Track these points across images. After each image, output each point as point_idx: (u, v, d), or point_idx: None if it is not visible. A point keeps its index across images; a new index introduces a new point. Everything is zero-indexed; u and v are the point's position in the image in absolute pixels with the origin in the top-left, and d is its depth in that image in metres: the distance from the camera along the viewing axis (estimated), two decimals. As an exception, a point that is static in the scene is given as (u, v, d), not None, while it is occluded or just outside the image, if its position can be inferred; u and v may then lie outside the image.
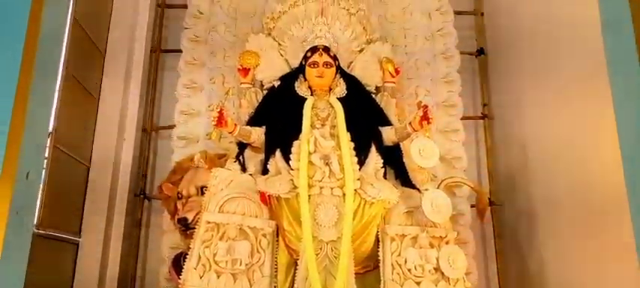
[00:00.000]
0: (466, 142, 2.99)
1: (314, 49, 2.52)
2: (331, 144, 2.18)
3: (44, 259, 2.29)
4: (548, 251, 2.51)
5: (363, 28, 2.79)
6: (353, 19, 2.75)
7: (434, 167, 2.47)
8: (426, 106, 2.22)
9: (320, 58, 2.49)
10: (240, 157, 2.41)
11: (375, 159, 2.30)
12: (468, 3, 3.39)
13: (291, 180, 2.14)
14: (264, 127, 2.39)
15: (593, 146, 2.13)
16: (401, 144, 2.43)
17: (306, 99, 2.39)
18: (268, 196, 2.19)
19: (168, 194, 2.60)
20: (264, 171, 2.30)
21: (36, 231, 2.16)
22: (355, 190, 2.12)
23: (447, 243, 2.21)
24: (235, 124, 2.27)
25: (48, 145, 2.26)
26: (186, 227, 2.40)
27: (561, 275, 2.39)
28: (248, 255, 2.08)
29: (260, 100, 2.59)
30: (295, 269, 2.12)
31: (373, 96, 2.63)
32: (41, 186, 2.18)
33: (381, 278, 2.12)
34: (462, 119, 3.00)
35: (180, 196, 2.53)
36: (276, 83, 2.59)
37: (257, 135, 2.37)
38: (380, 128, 2.42)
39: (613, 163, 1.91)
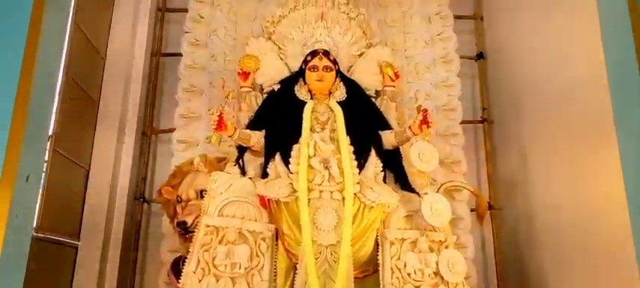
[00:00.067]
0: (466, 146, 2.99)
1: (314, 53, 2.53)
2: (331, 148, 2.19)
3: (43, 263, 2.28)
4: (547, 255, 2.51)
5: (363, 32, 2.79)
6: (353, 23, 2.76)
7: (433, 171, 2.46)
8: (425, 110, 2.22)
9: (320, 61, 2.50)
10: (240, 161, 2.41)
11: (374, 163, 2.30)
12: (467, 7, 3.40)
13: (291, 184, 2.14)
14: (263, 130, 2.40)
15: (594, 150, 2.13)
16: (400, 148, 2.44)
17: (305, 103, 2.39)
18: (268, 199, 2.19)
19: (167, 198, 2.59)
20: (264, 175, 2.31)
21: (35, 234, 2.16)
22: (355, 194, 2.13)
23: (446, 247, 2.20)
24: (235, 128, 2.28)
25: (48, 148, 2.26)
26: (185, 231, 2.39)
27: (560, 279, 2.39)
28: (247, 259, 2.08)
29: (260, 104, 2.59)
30: (294, 273, 2.12)
31: (373, 100, 2.64)
32: (41, 189, 2.18)
33: (381, 282, 2.11)
34: (461, 123, 3.00)
35: (179, 199, 2.53)
36: (276, 87, 2.60)
37: (257, 139, 2.37)
38: (380, 132, 2.42)
39: (613, 165, 1.92)
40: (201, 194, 2.40)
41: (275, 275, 2.14)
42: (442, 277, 2.13)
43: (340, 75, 2.56)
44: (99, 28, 2.91)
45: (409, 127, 2.28)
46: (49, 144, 2.28)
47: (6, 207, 1.62)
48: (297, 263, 2.11)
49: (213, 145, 2.35)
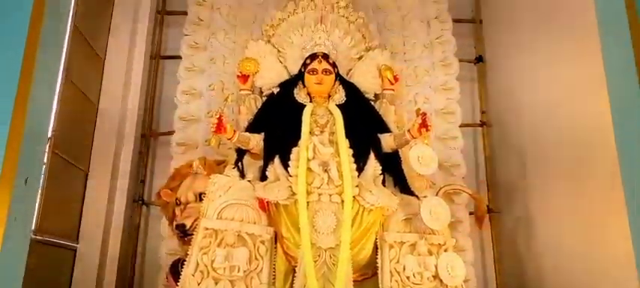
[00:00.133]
0: (465, 149, 2.99)
1: (313, 56, 2.53)
2: (330, 151, 2.19)
3: (42, 265, 2.28)
4: (546, 258, 2.51)
5: (362, 35, 2.80)
6: (352, 26, 2.76)
7: (433, 174, 2.46)
8: (424, 114, 2.23)
9: (319, 65, 2.50)
10: (239, 164, 2.41)
11: (373, 166, 2.30)
12: (466, 11, 3.41)
13: (290, 186, 2.14)
14: (263, 133, 2.39)
15: (592, 151, 2.13)
16: (400, 151, 2.44)
17: (305, 106, 2.39)
18: (267, 202, 2.19)
19: (166, 200, 2.59)
20: (263, 177, 2.30)
21: (34, 237, 2.16)
22: (354, 196, 2.13)
23: (445, 250, 2.20)
24: (234, 131, 2.27)
25: (47, 150, 2.26)
26: (184, 233, 2.40)
27: (559, 282, 2.39)
28: (246, 262, 2.08)
29: (259, 107, 2.59)
30: (293, 276, 2.12)
31: (372, 103, 2.64)
32: (39, 191, 2.18)
33: (380, 285, 2.11)
34: (460, 126, 3.00)
35: (178, 202, 2.53)
36: (276, 90, 2.60)
37: (256, 141, 2.37)
38: (379, 135, 2.42)
39: (612, 169, 1.92)
40: (200, 197, 2.40)
41: (274, 278, 2.14)
42: (441, 281, 2.13)
43: (339, 78, 2.56)
44: (98, 30, 2.91)
45: (408, 131, 2.28)
46: (48, 146, 2.28)
47: (5, 209, 1.62)
48: (296, 266, 2.11)
49: (212, 147, 2.36)
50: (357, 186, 2.15)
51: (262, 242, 2.14)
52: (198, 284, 2.04)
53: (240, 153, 2.43)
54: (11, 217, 1.63)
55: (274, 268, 2.15)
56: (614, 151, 1.92)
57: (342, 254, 2.03)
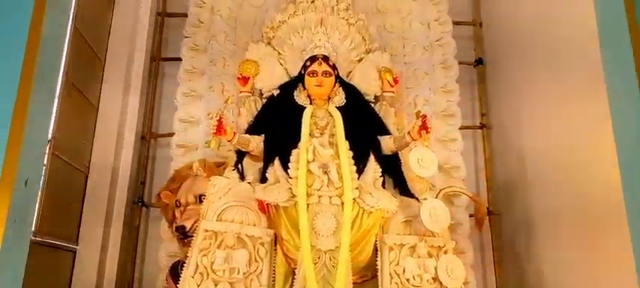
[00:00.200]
0: (464, 151, 2.99)
1: (313, 59, 2.53)
2: (330, 153, 2.19)
3: (41, 267, 2.28)
4: (546, 261, 2.51)
5: (362, 37, 2.80)
6: (352, 28, 2.77)
7: (432, 176, 2.46)
8: (424, 116, 2.23)
9: (319, 67, 2.50)
10: (239, 166, 2.41)
11: (373, 168, 2.30)
12: (466, 13, 3.41)
13: (290, 188, 2.14)
14: (263, 135, 2.39)
15: (591, 156, 2.14)
16: (400, 153, 2.44)
17: (305, 108, 2.39)
18: (267, 204, 2.19)
19: (166, 202, 2.60)
20: (263, 179, 2.30)
21: (33, 238, 2.15)
22: (354, 199, 2.13)
23: (445, 252, 2.20)
24: (234, 133, 2.28)
25: (46, 152, 2.26)
26: (184, 235, 2.40)
27: (559, 285, 2.39)
28: (246, 264, 2.08)
29: (259, 109, 2.60)
30: (293, 278, 2.12)
31: (372, 105, 2.64)
32: (39, 193, 2.18)
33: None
34: (460, 129, 3.00)
35: (178, 204, 2.53)
36: (276, 92, 2.60)
37: (256, 143, 2.37)
38: (379, 137, 2.42)
39: (611, 172, 1.92)
40: (200, 199, 2.39)
41: (273, 280, 2.14)
42: (441, 283, 2.13)
43: (339, 80, 2.56)
44: (99, 32, 2.91)
45: (408, 133, 2.28)
46: (48, 148, 2.28)
47: (5, 211, 1.62)
48: (295, 268, 2.11)
49: (212, 149, 2.35)
50: (357, 188, 2.15)
51: (262, 244, 2.14)
52: (198, 286, 2.04)
53: (240, 155, 2.44)
54: (11, 219, 1.63)
55: (274, 270, 2.15)
56: (615, 151, 1.92)
57: (342, 256, 2.03)
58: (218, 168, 2.56)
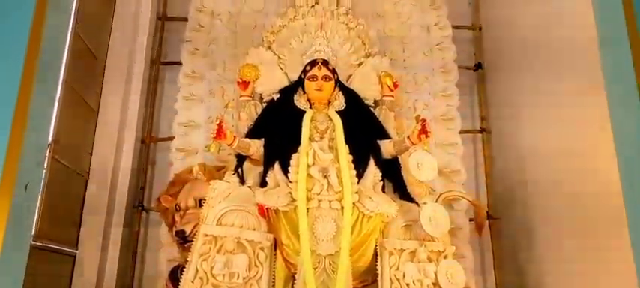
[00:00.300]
0: (464, 155, 2.99)
1: (313, 63, 2.54)
2: (330, 157, 2.19)
3: (41, 271, 2.27)
4: (546, 265, 2.51)
5: (362, 42, 2.81)
6: (352, 33, 2.77)
7: (432, 181, 2.47)
8: (424, 120, 2.23)
9: (319, 71, 2.50)
10: (239, 170, 2.41)
11: (373, 172, 2.30)
12: (466, 17, 3.42)
13: (290, 193, 2.14)
14: (262, 139, 2.40)
15: (591, 159, 2.14)
16: (399, 157, 2.44)
17: (304, 112, 2.40)
18: (266, 208, 2.19)
19: (166, 206, 2.59)
20: (263, 184, 2.31)
21: (33, 242, 2.15)
22: (353, 203, 2.13)
23: (445, 257, 2.20)
24: (234, 137, 2.28)
25: (47, 156, 2.26)
26: (183, 240, 2.39)
27: (560, 290, 2.39)
28: (246, 268, 2.08)
29: (259, 113, 2.60)
30: (293, 283, 2.12)
31: (372, 109, 2.64)
32: (39, 197, 2.18)
33: (380, 292, 2.11)
34: (460, 133, 3.00)
35: (178, 208, 2.53)
36: (276, 96, 2.61)
37: (256, 147, 2.37)
38: (378, 141, 2.42)
39: (611, 176, 1.92)
40: (200, 203, 2.40)
41: (273, 285, 2.13)
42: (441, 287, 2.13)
43: (339, 84, 2.57)
44: (99, 36, 2.92)
45: (408, 137, 2.29)
46: (48, 152, 2.28)
47: (5, 215, 1.62)
48: (295, 273, 2.11)
49: (212, 153, 2.35)
50: (356, 192, 2.15)
51: (262, 249, 2.14)
52: (198, 291, 2.04)
53: (240, 159, 2.44)
54: (11, 223, 1.63)
55: (274, 275, 2.15)
56: (614, 152, 1.92)
57: (342, 261, 2.03)
58: (218, 172, 2.56)
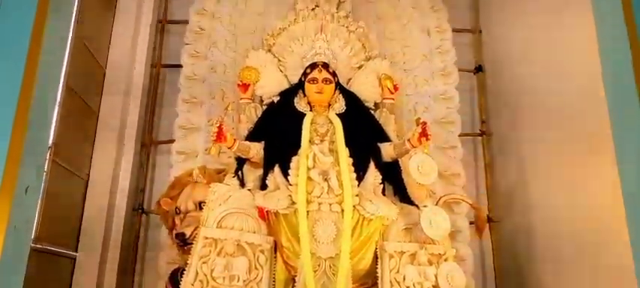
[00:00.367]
0: (464, 158, 2.99)
1: (313, 66, 2.54)
2: (330, 160, 2.19)
3: (41, 274, 2.27)
4: (546, 268, 2.51)
5: (362, 45, 2.81)
6: (352, 36, 2.78)
7: (432, 184, 2.46)
8: (424, 123, 2.23)
9: (319, 74, 2.51)
10: (239, 173, 2.41)
11: (373, 175, 2.30)
12: (466, 21, 3.43)
13: (290, 196, 2.14)
14: (263, 142, 2.40)
15: (591, 162, 2.14)
16: (400, 160, 2.44)
17: (305, 114, 2.40)
18: (267, 211, 2.19)
19: (166, 209, 2.59)
20: (263, 186, 2.31)
21: (33, 245, 2.15)
22: (354, 206, 2.13)
23: (445, 260, 2.20)
24: (234, 140, 2.28)
25: (47, 159, 2.26)
26: (183, 243, 2.39)
27: (560, 293, 2.38)
28: (246, 271, 2.07)
29: (259, 116, 2.60)
30: (293, 286, 2.11)
31: (372, 112, 2.65)
32: (39, 200, 2.18)
33: (380, 295, 2.11)
34: (460, 136, 3.00)
35: (178, 211, 2.52)
36: (276, 99, 2.61)
37: (256, 150, 2.37)
38: (379, 144, 2.43)
39: (612, 178, 1.92)
40: (200, 206, 2.39)
41: (274, 288, 2.13)
42: (441, 290, 2.13)
43: (339, 87, 2.57)
44: (100, 39, 2.92)
45: (408, 140, 2.29)
46: (48, 154, 2.28)
47: (5, 218, 1.61)
48: (295, 276, 2.10)
49: (212, 156, 2.36)
50: (357, 195, 2.15)
51: (262, 251, 2.14)
52: (198, 294, 2.03)
53: (240, 162, 2.44)
54: (11, 226, 1.63)
55: (274, 278, 2.15)
56: (614, 155, 1.92)
57: (342, 264, 2.03)
58: (218, 175, 2.56)
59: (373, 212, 2.15)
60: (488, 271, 3.01)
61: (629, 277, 1.81)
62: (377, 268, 2.16)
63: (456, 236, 2.73)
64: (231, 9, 3.11)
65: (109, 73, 2.97)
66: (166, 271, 2.62)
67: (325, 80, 2.50)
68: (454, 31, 3.19)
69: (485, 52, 3.32)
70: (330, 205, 2.14)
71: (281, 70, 2.73)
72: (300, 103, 2.50)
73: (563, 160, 2.39)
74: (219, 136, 2.19)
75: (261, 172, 2.38)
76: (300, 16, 2.79)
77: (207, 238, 2.13)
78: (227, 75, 2.99)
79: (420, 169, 2.25)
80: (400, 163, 2.45)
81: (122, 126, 2.92)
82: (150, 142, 3.09)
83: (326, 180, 2.16)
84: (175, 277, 2.38)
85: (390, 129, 2.61)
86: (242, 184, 2.37)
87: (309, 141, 2.29)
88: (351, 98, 2.57)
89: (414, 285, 2.12)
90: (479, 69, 3.30)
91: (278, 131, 2.40)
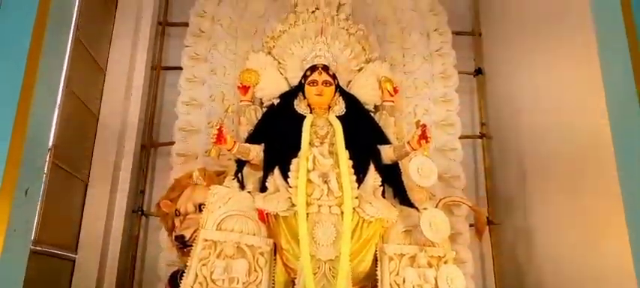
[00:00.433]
0: (464, 161, 2.99)
1: (313, 68, 2.54)
2: (330, 162, 2.19)
3: (41, 276, 2.27)
4: (546, 271, 2.50)
5: (362, 47, 2.81)
6: (352, 38, 2.78)
7: (432, 186, 2.46)
8: (424, 125, 2.23)
9: (319, 76, 2.51)
10: (239, 175, 2.41)
11: (373, 177, 2.30)
12: (466, 23, 3.43)
13: (290, 198, 2.14)
14: (263, 144, 2.40)
15: (591, 165, 2.14)
16: (400, 163, 2.44)
17: (305, 117, 2.40)
18: (266, 213, 2.19)
19: (166, 211, 2.59)
20: (263, 188, 2.30)
21: (33, 247, 2.15)
22: (353, 208, 2.12)
23: (445, 262, 2.20)
24: (234, 142, 2.28)
25: (47, 161, 2.26)
26: (183, 245, 2.39)
27: (560, 296, 2.38)
28: (245, 273, 2.07)
29: (259, 118, 2.60)
30: (293, 288, 2.11)
31: (372, 114, 2.65)
32: (39, 202, 2.18)
33: (379, 298, 2.11)
34: (460, 138, 3.01)
35: (178, 213, 2.52)
36: (276, 101, 2.61)
37: (256, 152, 2.37)
38: (379, 146, 2.43)
39: (611, 180, 1.92)
40: (199, 208, 2.39)
41: (273, 290, 2.13)
42: (441, 293, 2.13)
43: (339, 90, 2.57)
44: (100, 41, 2.93)
45: (408, 142, 2.29)
46: (48, 156, 2.28)
47: (5, 220, 1.61)
48: (295, 278, 2.10)
49: (212, 158, 2.36)
50: (356, 197, 2.15)
51: (261, 254, 2.14)
52: (197, 296, 2.03)
53: (240, 164, 2.44)
54: (11, 228, 1.63)
55: (273, 280, 2.14)
56: (613, 162, 1.92)
57: (342, 266, 2.02)
58: (218, 177, 2.56)
59: (373, 214, 2.15)
60: (487, 274, 3.00)
61: (629, 281, 1.81)
62: (377, 270, 2.16)
63: (455, 239, 2.73)
64: (231, 11, 3.12)
65: (109, 76, 2.97)
66: (166, 273, 2.63)
67: (325, 83, 2.50)
68: (454, 33, 3.19)
69: (485, 54, 3.32)
70: (330, 207, 2.13)
71: (281, 73, 2.73)
72: (300, 106, 2.51)
73: (562, 162, 2.39)
74: (219, 138, 2.19)
75: (261, 174, 2.38)
76: (300, 18, 2.79)
77: (206, 240, 2.13)
78: (227, 77, 2.99)
79: (419, 171, 2.25)
80: (400, 165, 2.45)
81: (122, 128, 2.92)
82: (150, 144, 3.09)
83: (326, 182, 2.16)
84: (175, 279, 2.38)
85: (390, 131, 2.61)
86: (242, 187, 2.37)
87: (309, 143, 2.29)
88: (351, 101, 2.57)
89: (413, 287, 2.12)
90: (479, 72, 3.31)
91: (278, 133, 2.40)
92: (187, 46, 3.05)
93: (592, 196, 2.12)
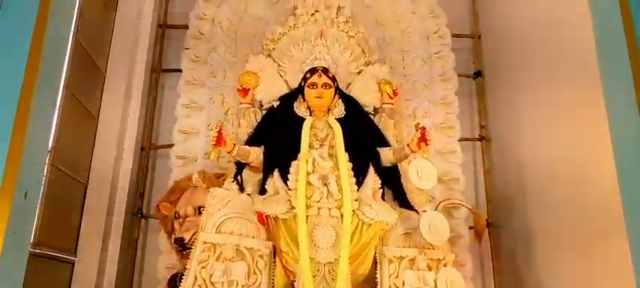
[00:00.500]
0: (464, 163, 2.99)
1: (313, 71, 2.54)
2: (329, 164, 2.19)
3: (40, 279, 2.27)
4: (546, 273, 2.50)
5: (362, 50, 2.81)
6: (352, 41, 2.78)
7: (432, 189, 2.47)
8: (423, 128, 2.23)
9: (319, 79, 2.51)
10: (239, 177, 2.41)
11: (373, 180, 2.30)
12: (465, 26, 3.43)
13: (289, 200, 2.14)
14: (262, 147, 2.40)
15: (590, 167, 2.14)
16: (399, 165, 2.44)
17: (304, 119, 2.40)
18: (266, 216, 2.19)
19: (165, 214, 2.59)
20: (262, 191, 2.30)
21: (32, 250, 2.14)
22: (353, 211, 2.12)
23: (444, 265, 2.20)
24: (234, 144, 2.28)
25: (46, 163, 2.26)
26: (182, 247, 2.39)
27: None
28: (245, 276, 2.07)
29: (259, 121, 2.60)
30: (292, 291, 2.11)
31: (371, 117, 2.65)
32: (38, 205, 2.17)
33: (379, 300, 2.10)
34: (459, 141, 3.01)
35: (177, 215, 2.52)
36: (276, 103, 2.61)
37: (255, 155, 2.37)
38: (378, 149, 2.43)
39: (610, 184, 1.92)
40: (199, 210, 2.40)
41: (273, 293, 2.13)
42: (440, 296, 2.12)
43: (339, 92, 2.57)
44: (100, 43, 2.92)
45: (407, 145, 2.29)
46: (47, 158, 2.28)
47: (4, 223, 1.61)
48: (294, 281, 2.10)
49: (211, 160, 2.36)
50: (356, 200, 2.15)
51: (261, 257, 2.14)
52: (197, 298, 2.03)
53: (240, 166, 2.44)
54: (10, 231, 1.63)
55: (273, 283, 2.14)
56: (613, 163, 1.92)
57: (341, 269, 2.02)
58: (217, 179, 2.56)
59: (372, 217, 2.14)
60: (487, 276, 3.00)
61: (629, 284, 1.81)
62: (376, 273, 2.16)
63: (455, 241, 2.73)
64: (231, 14, 3.12)
65: (109, 77, 2.96)
66: (165, 276, 2.62)
67: (325, 85, 2.50)
68: (454, 36, 3.20)
69: (484, 57, 3.32)
70: (330, 209, 2.13)
71: (281, 75, 2.74)
72: (299, 108, 2.51)
73: (563, 164, 2.39)
74: (219, 140, 2.19)
75: (260, 176, 2.38)
76: (299, 21, 2.79)
77: (206, 242, 2.13)
78: (227, 80, 2.99)
79: (419, 174, 2.26)
80: (399, 167, 2.45)
81: (122, 130, 2.91)
82: (149, 146, 3.09)
83: (325, 185, 2.16)
84: (174, 282, 2.38)
85: (390, 134, 2.61)
86: (241, 189, 2.37)
87: (309, 146, 2.29)
88: (350, 103, 2.57)
89: (413, 290, 2.12)
90: (478, 74, 3.31)
91: (277, 136, 2.40)
92: (187, 49, 3.06)
93: (592, 196, 2.12)
